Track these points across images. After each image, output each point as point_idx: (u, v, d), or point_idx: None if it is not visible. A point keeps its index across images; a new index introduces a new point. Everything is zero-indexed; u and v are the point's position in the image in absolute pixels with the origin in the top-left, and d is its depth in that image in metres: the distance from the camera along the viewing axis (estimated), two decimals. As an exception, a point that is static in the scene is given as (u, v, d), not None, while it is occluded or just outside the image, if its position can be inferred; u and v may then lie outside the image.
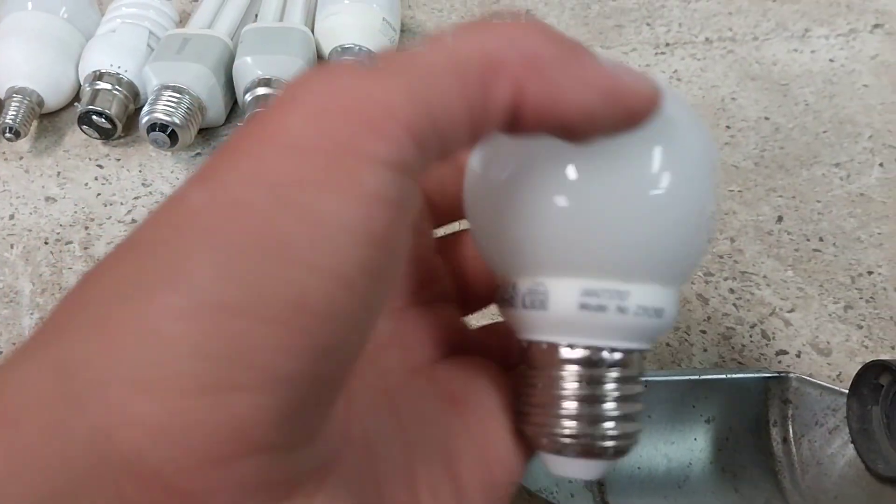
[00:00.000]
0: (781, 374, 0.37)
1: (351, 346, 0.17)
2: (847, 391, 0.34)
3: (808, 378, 0.37)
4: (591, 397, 0.21)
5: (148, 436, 0.15)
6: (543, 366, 0.21)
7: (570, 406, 0.21)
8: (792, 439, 0.37)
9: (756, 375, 0.37)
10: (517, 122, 0.18)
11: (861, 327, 0.42)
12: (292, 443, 0.16)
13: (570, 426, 0.21)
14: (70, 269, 0.47)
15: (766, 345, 0.41)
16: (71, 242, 0.48)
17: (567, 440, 0.21)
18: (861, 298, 0.43)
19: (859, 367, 0.34)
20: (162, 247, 0.16)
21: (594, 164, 0.20)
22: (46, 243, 0.48)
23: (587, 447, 0.21)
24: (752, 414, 0.37)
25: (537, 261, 0.21)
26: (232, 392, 0.15)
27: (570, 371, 0.21)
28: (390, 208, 0.16)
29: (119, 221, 0.49)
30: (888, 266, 0.45)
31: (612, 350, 0.21)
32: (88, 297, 0.16)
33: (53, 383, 0.15)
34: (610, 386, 0.21)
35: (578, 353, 0.21)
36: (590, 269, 0.20)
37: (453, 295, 0.26)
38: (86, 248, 0.48)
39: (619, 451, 0.21)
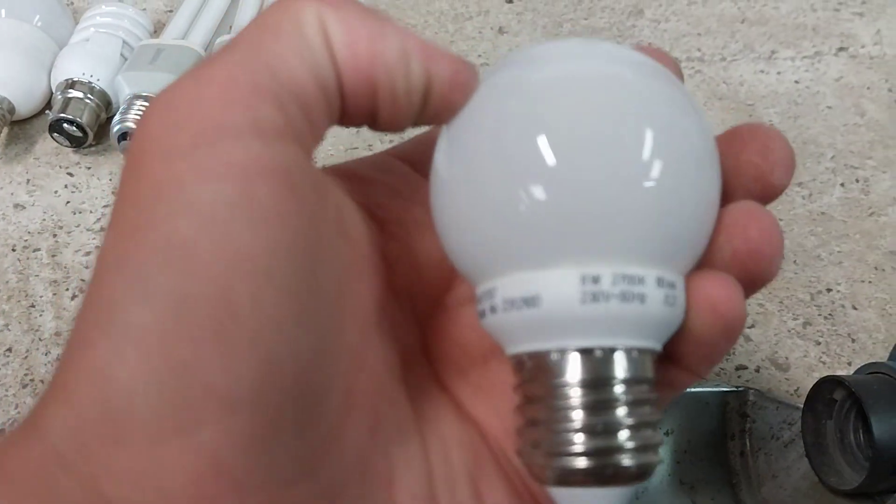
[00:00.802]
0: (739, 389, 0.38)
1: (301, 348, 0.16)
2: (803, 406, 0.35)
3: (764, 393, 0.37)
4: (599, 404, 0.18)
5: (137, 488, 0.15)
6: (538, 381, 0.18)
7: (576, 418, 0.17)
8: (749, 452, 0.37)
9: (714, 389, 0.38)
10: (341, 76, 0.18)
11: (819, 343, 0.43)
12: (285, 475, 0.16)
13: (578, 443, 0.17)
14: (37, 276, 0.47)
15: (726, 359, 0.42)
16: (39, 250, 0.48)
17: (577, 462, 0.17)
18: (820, 315, 0.44)
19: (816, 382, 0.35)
20: (95, 294, 0.16)
21: (577, 137, 0.17)
22: (14, 250, 0.48)
23: (601, 468, 0.17)
24: (710, 427, 0.38)
25: (522, 253, 0.18)
26: (198, 429, 0.15)
27: (572, 383, 0.18)
28: (270, 177, 0.16)
29: (88, 230, 0.49)
30: (847, 284, 0.46)
31: (618, 350, 0.18)
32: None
33: (38, 447, 0.15)
34: (619, 389, 0.18)
35: (579, 359, 0.18)
36: (587, 253, 0.17)
37: None
38: (53, 256, 0.48)
39: (641, 471, 0.17)
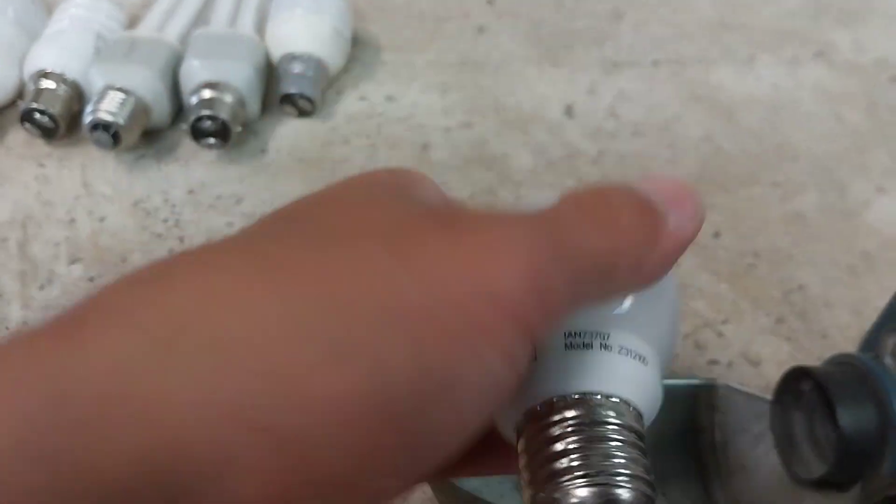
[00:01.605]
0: (709, 382, 0.38)
1: None
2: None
3: (734, 385, 0.37)
4: (594, 438, 0.19)
5: None
6: (535, 430, 0.20)
7: (572, 451, 0.19)
8: (719, 445, 0.37)
9: (685, 383, 0.38)
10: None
11: (791, 339, 0.43)
12: None
13: (578, 474, 0.18)
14: (4, 267, 0.46)
15: (699, 355, 0.42)
16: (7, 241, 0.48)
17: (579, 489, 0.18)
18: (792, 313, 0.44)
19: (785, 374, 0.34)
20: None
21: None
22: (-19, 240, 0.47)
23: (601, 494, 0.18)
24: (680, 420, 0.37)
25: None
26: None
27: (569, 419, 0.19)
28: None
29: (58, 221, 0.49)
30: (819, 282, 0.46)
31: (606, 396, 0.20)
32: None
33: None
34: (613, 427, 0.19)
35: (573, 404, 0.20)
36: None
37: None
38: (22, 247, 0.47)
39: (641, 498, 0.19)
